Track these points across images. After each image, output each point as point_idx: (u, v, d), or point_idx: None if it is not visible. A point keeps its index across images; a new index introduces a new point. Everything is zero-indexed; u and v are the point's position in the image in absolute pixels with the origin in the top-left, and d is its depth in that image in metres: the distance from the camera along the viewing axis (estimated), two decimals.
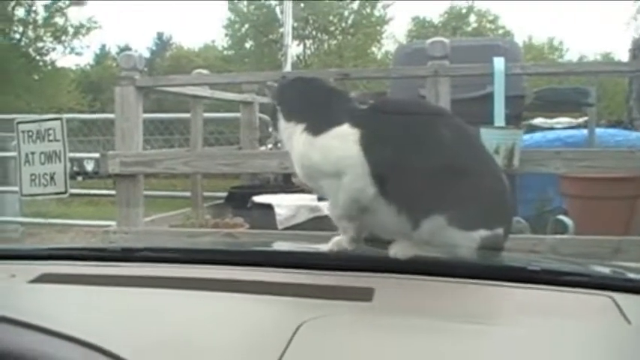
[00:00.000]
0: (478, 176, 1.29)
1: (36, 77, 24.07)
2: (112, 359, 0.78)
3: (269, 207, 3.97)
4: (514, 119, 3.96)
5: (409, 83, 4.18)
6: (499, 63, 3.14)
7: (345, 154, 1.27)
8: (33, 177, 4.24)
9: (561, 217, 3.74)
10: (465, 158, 1.30)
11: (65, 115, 4.70)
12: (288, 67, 6.27)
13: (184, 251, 1.48)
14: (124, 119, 3.54)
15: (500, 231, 1.26)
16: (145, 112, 4.03)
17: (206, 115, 5.26)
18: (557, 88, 5.51)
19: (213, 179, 6.31)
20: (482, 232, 1.23)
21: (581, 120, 6.46)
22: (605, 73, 5.88)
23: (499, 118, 3.07)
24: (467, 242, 1.23)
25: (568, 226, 3.59)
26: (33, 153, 4.23)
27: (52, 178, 4.19)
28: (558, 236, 3.31)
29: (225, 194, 5.12)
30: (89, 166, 10.56)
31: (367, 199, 1.26)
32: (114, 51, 35.96)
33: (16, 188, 6.29)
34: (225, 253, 1.49)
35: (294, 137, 1.35)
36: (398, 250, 1.23)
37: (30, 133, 4.25)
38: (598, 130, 5.49)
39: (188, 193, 5.37)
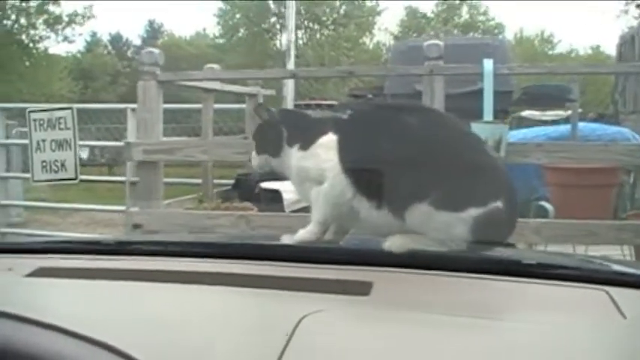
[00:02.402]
0: (459, 156, 1.30)
1: (27, 64, 24.07)
2: (108, 351, 0.78)
3: (276, 192, 4.29)
4: (503, 113, 4.31)
5: (405, 79, 4.54)
6: (488, 64, 3.48)
7: (326, 162, 1.35)
8: (44, 164, 4.41)
9: (543, 203, 4.11)
10: (442, 141, 1.31)
11: (76, 105, 4.83)
12: (291, 63, 6.54)
13: (181, 244, 1.47)
14: (145, 111, 3.84)
15: (497, 204, 1.25)
16: None
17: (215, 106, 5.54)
18: (542, 84, 5.86)
19: (218, 167, 6.58)
20: (473, 211, 1.23)
21: (569, 112, 6.80)
22: (584, 74, 6.22)
23: (488, 114, 3.41)
24: (459, 223, 1.23)
25: (549, 210, 3.96)
26: (44, 141, 4.39)
27: (62, 164, 4.39)
28: (540, 220, 3.64)
29: (226, 182, 5.45)
30: (84, 154, 10.75)
31: (347, 200, 1.33)
32: (105, 38, 36.02)
33: (19, 174, 6.55)
34: (222, 246, 1.46)
35: (292, 157, 1.43)
36: (392, 244, 1.24)
37: (41, 122, 4.41)
38: (580, 124, 5.85)
39: (190, 180, 5.68)
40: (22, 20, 24.41)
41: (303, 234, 1.38)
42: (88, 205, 6.97)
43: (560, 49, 33.79)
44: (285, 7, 8.67)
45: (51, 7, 24.48)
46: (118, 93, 29.41)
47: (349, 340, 0.85)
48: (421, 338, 0.87)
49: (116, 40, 36.87)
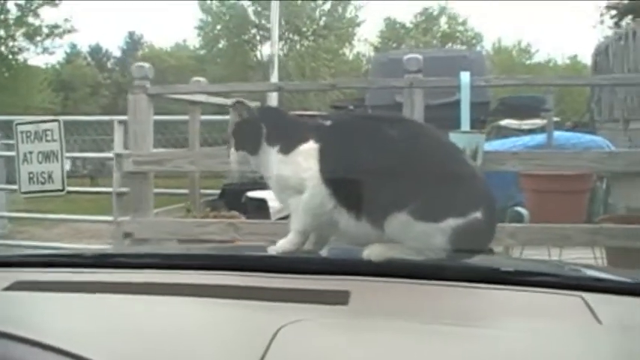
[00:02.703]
0: (438, 166, 1.31)
1: (7, 75, 23.99)
2: None
3: (262, 201, 4.42)
4: (480, 123, 4.48)
5: (386, 91, 4.73)
6: (465, 76, 3.64)
7: (306, 171, 1.35)
8: (31, 175, 4.49)
9: (518, 208, 4.28)
10: (419, 152, 1.32)
11: (61, 117, 4.86)
12: (275, 76, 6.68)
13: (160, 256, 1.46)
14: (136, 123, 3.93)
15: (476, 214, 1.25)
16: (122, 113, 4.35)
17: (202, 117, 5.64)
18: (518, 95, 6.08)
19: (204, 178, 6.67)
20: (452, 221, 1.23)
21: (546, 121, 7.02)
22: (559, 86, 6.45)
23: (465, 124, 3.57)
24: (438, 233, 1.23)
25: (524, 215, 4.14)
26: (31, 152, 4.46)
27: (49, 176, 4.46)
28: (516, 225, 3.80)
29: (212, 192, 5.56)
30: (66, 166, 10.77)
31: (327, 210, 1.32)
32: (84, 50, 35.95)
33: (3, 186, 6.57)
34: (201, 257, 1.45)
35: (271, 158, 1.42)
36: (371, 252, 1.24)
37: (28, 134, 4.46)
38: (556, 134, 6.07)
39: (177, 190, 5.79)
40: (1, 32, 24.33)
41: (283, 244, 1.38)
42: (73, 216, 6.95)
43: (538, 58, 34.30)
44: (265, 19, 8.85)
45: (30, 19, 24.46)
46: (99, 104, 29.39)
47: (327, 349, 0.86)
48: (400, 347, 0.86)
49: (95, 51, 36.83)
